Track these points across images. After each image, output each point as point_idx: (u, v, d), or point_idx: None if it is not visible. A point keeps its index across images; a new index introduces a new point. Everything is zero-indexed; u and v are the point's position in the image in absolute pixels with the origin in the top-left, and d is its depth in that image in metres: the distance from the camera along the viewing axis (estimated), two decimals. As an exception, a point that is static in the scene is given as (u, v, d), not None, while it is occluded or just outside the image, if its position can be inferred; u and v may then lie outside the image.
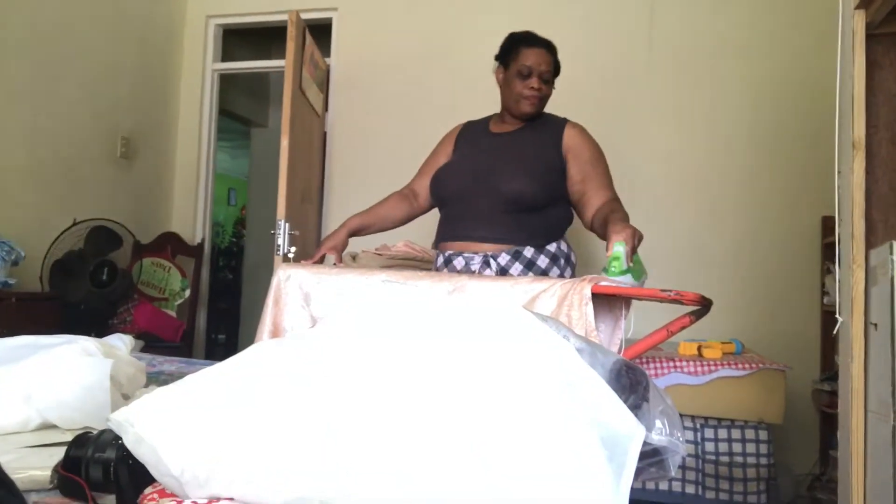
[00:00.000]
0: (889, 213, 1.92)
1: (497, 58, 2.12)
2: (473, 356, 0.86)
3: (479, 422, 0.75)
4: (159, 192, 4.17)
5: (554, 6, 3.62)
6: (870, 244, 1.82)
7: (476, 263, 1.93)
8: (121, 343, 1.28)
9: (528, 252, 1.94)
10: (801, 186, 3.29)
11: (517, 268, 1.92)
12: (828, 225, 3.07)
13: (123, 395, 1.14)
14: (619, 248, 1.61)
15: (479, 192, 1.96)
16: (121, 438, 0.78)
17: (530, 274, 1.92)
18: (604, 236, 1.80)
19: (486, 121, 2.18)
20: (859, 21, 1.86)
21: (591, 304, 1.61)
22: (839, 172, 2.02)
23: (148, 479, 0.78)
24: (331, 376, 0.80)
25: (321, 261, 2.08)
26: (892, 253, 1.58)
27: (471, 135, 2.17)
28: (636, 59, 3.54)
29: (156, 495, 0.75)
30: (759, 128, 3.41)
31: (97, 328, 3.30)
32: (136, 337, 3.45)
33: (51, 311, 2.94)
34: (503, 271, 1.92)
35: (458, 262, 1.95)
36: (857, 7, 1.85)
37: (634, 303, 1.76)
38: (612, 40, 3.57)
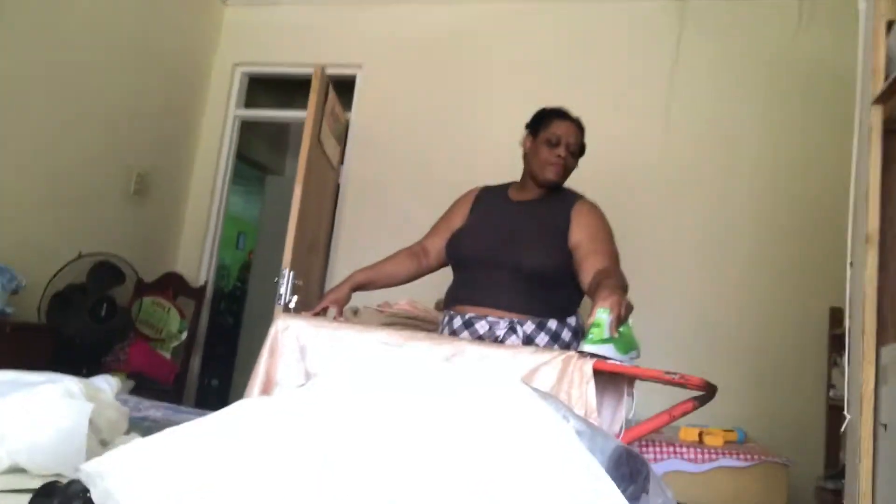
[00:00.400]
0: (901, 311, 1.89)
1: (527, 126, 2.15)
2: (468, 427, 0.82)
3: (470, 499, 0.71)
4: (168, 232, 4.18)
5: (573, 81, 3.68)
6: (880, 341, 1.78)
7: (502, 329, 1.90)
8: (106, 385, 1.24)
9: (553, 324, 1.92)
10: (811, 275, 3.26)
11: (543, 338, 1.90)
12: (836, 316, 3.03)
13: (102, 442, 1.09)
14: (602, 315, 1.51)
15: (500, 261, 1.95)
16: (88, 491, 0.74)
17: (556, 346, 1.88)
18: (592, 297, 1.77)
19: (504, 187, 2.19)
20: (876, 116, 1.88)
21: (592, 383, 1.56)
22: (851, 265, 2.00)
23: (113, 538, 0.73)
24: (321, 431, 0.76)
25: (322, 313, 2.05)
26: (904, 352, 1.54)
27: (490, 200, 2.17)
28: (652, 138, 3.58)
29: (118, 557, 0.71)
30: (771, 213, 3.41)
31: (90, 364, 3.25)
32: (128, 377, 3.41)
33: (45, 343, 2.90)
34: (529, 339, 1.89)
35: (482, 326, 1.92)
36: (875, 102, 1.86)
37: (637, 382, 1.71)
38: (628, 118, 3.62)
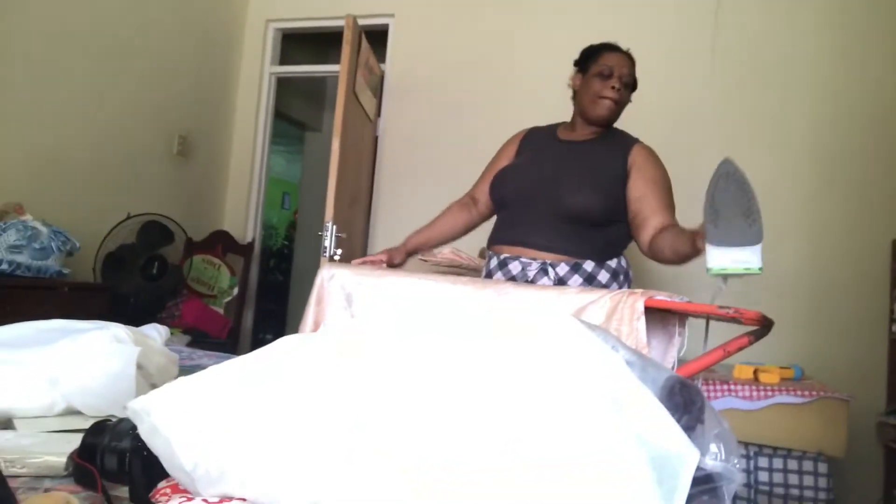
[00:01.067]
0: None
1: (576, 63, 2.07)
2: (512, 360, 0.80)
3: (516, 433, 0.69)
4: (212, 191, 4.24)
5: (613, 17, 3.54)
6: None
7: (533, 270, 1.85)
8: (155, 333, 1.26)
9: (589, 266, 1.86)
10: (871, 207, 3.12)
11: (576, 280, 1.84)
12: (900, 249, 2.90)
13: (152, 386, 1.11)
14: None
15: (542, 200, 1.90)
16: (137, 428, 0.74)
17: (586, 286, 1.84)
18: (669, 260, 1.73)
19: (553, 127, 2.11)
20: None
21: (643, 319, 1.53)
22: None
23: (163, 473, 0.74)
24: (362, 371, 0.75)
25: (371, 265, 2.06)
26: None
27: (537, 140, 2.10)
28: (698, 69, 3.42)
29: (168, 490, 0.71)
30: (828, 143, 3.24)
31: (145, 321, 3.33)
32: (183, 332, 3.51)
33: (101, 302, 2.98)
34: (561, 282, 1.83)
35: (515, 267, 1.88)
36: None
37: (689, 321, 1.66)
38: (674, 49, 3.46)
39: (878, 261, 3.09)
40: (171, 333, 1.76)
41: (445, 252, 3.22)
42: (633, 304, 1.54)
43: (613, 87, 1.93)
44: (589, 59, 2.01)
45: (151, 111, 3.66)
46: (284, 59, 4.51)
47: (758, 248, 1.39)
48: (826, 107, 3.26)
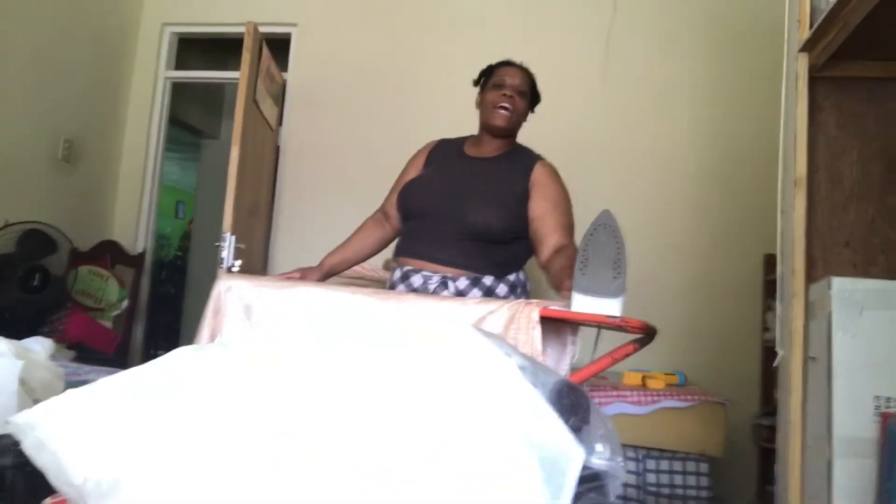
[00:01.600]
0: (828, 251, 1.98)
1: (475, 82, 2.16)
2: (421, 369, 0.82)
3: (411, 437, 0.71)
4: (101, 199, 4.02)
5: (515, 36, 3.66)
6: (809, 280, 1.86)
7: (434, 283, 1.90)
8: (39, 346, 1.19)
9: (488, 280, 1.92)
10: (747, 225, 3.37)
11: (475, 293, 1.90)
12: (770, 263, 3.14)
13: (35, 401, 1.06)
14: None
15: (445, 215, 1.94)
16: (20, 444, 0.71)
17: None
18: (555, 287, 1.81)
19: (461, 142, 2.16)
20: (802, 63, 1.93)
21: (539, 328, 1.59)
22: (782, 211, 2.08)
23: (48, 489, 0.71)
24: (282, 380, 0.75)
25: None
26: (830, 288, 1.61)
27: (445, 153, 2.14)
28: (590, 91, 3.60)
29: (54, 507, 0.69)
30: (709, 167, 3.49)
31: (26, 336, 3.13)
32: (68, 347, 3.30)
33: (-26, 316, 2.78)
34: (461, 294, 1.88)
35: (416, 280, 1.92)
36: (801, 50, 1.92)
37: (580, 332, 1.75)
38: (567, 70, 3.62)
39: (752, 275, 3.34)
40: (56, 349, 1.67)
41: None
42: (529, 313, 1.60)
43: (506, 95, 2.02)
44: (486, 75, 2.12)
45: (34, 113, 3.44)
46: (181, 64, 4.36)
47: (619, 300, 1.51)
48: (706, 133, 3.51)
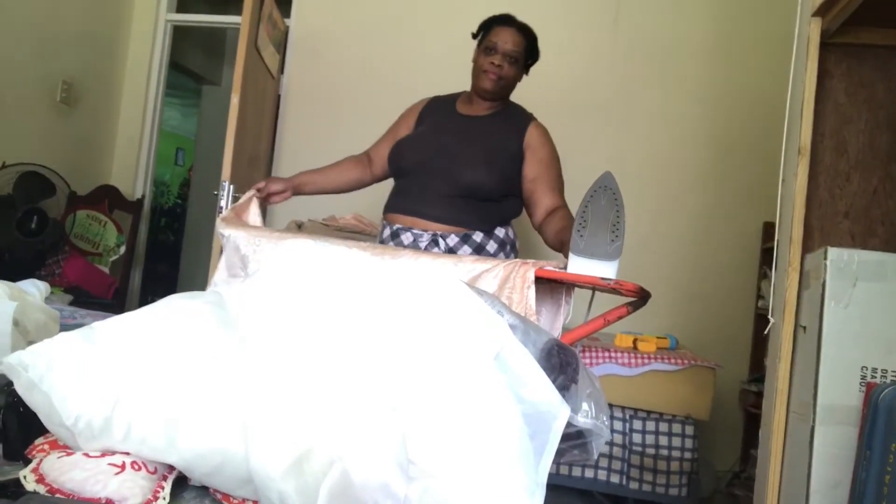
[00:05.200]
0: (826, 221, 1.97)
1: (473, 35, 2.12)
2: (402, 321, 0.83)
3: (400, 386, 0.72)
4: (100, 143, 3.99)
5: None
6: (806, 249, 1.86)
7: (424, 241, 1.91)
8: (34, 289, 1.20)
9: (478, 237, 1.94)
10: (748, 192, 3.35)
11: (465, 250, 1.92)
12: (768, 231, 3.14)
13: (30, 343, 1.07)
14: None
15: (437, 172, 1.95)
16: (12, 384, 0.72)
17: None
18: (551, 246, 1.84)
19: (453, 99, 2.15)
20: (815, 28, 1.89)
21: (533, 288, 1.60)
22: (783, 179, 2.06)
23: (40, 429, 0.72)
24: (250, 332, 0.76)
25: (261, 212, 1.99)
26: (825, 258, 1.62)
27: (437, 111, 2.13)
28: (599, 51, 3.54)
29: (46, 446, 0.70)
30: (713, 130, 3.45)
31: (22, 279, 3.14)
32: (65, 291, 3.32)
33: (-29, 256, 2.78)
34: (451, 251, 1.91)
35: (406, 238, 1.93)
36: (815, 14, 1.87)
37: (574, 294, 1.76)
38: (577, 30, 3.56)
39: (749, 242, 3.34)
40: (52, 292, 1.68)
41: (348, 218, 3.21)
42: (524, 273, 1.61)
43: (493, 63, 1.99)
44: (481, 32, 2.09)
45: (32, 54, 3.39)
46: (182, 7, 4.28)
47: (615, 263, 1.51)
48: (710, 100, 3.46)
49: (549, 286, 1.71)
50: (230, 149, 2.96)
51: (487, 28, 2.07)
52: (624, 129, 3.52)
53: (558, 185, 1.99)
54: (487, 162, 1.95)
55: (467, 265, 1.65)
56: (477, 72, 2.03)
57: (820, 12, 1.86)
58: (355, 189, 2.20)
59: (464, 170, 1.92)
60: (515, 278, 1.61)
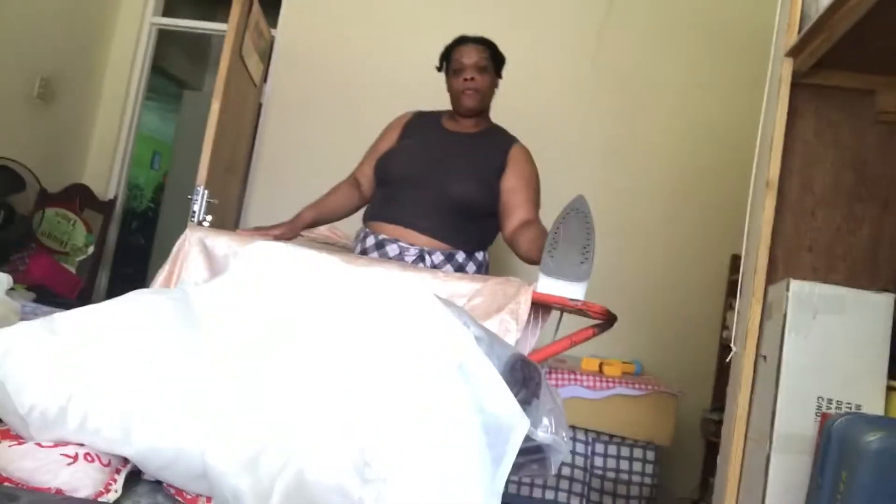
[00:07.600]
0: (790, 254, 2.02)
1: (438, 68, 2.18)
2: (368, 327, 0.83)
3: (360, 389, 0.73)
4: (74, 142, 3.94)
5: (508, 10, 3.64)
6: (770, 281, 1.90)
7: (411, 256, 1.92)
8: (-5, 280, 1.18)
9: (460, 257, 1.96)
10: (717, 225, 3.41)
11: (448, 269, 1.94)
12: (736, 263, 3.18)
13: (-12, 334, 1.05)
14: None
15: (427, 183, 1.96)
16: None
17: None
18: (522, 257, 1.87)
19: (438, 115, 2.18)
20: (787, 68, 1.95)
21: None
22: (751, 212, 2.11)
23: (-7, 418, 0.71)
24: (213, 330, 0.75)
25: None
26: (787, 290, 1.65)
27: (422, 125, 2.16)
28: (577, 85, 3.61)
29: (-3, 435, 0.69)
30: (684, 164, 3.53)
31: (-15, 274, 3.08)
32: (28, 289, 3.26)
33: (-67, 248, 2.72)
34: (435, 269, 1.92)
35: (392, 249, 1.93)
36: (787, 54, 1.94)
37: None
38: (557, 65, 3.62)
39: (718, 274, 3.40)
40: (14, 288, 1.65)
41: (322, 230, 3.20)
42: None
43: (465, 80, 2.04)
44: (445, 59, 2.14)
45: (10, 47, 3.35)
46: (168, 11, 4.27)
47: (583, 284, 1.54)
48: (685, 131, 3.54)
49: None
50: (207, 154, 2.95)
51: (448, 55, 2.12)
52: (598, 159, 3.58)
53: (535, 201, 2.01)
54: (477, 176, 1.98)
55: (454, 283, 1.65)
56: (455, 95, 2.08)
57: (793, 53, 1.92)
58: (353, 213, 2.23)
59: (454, 183, 1.95)
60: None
